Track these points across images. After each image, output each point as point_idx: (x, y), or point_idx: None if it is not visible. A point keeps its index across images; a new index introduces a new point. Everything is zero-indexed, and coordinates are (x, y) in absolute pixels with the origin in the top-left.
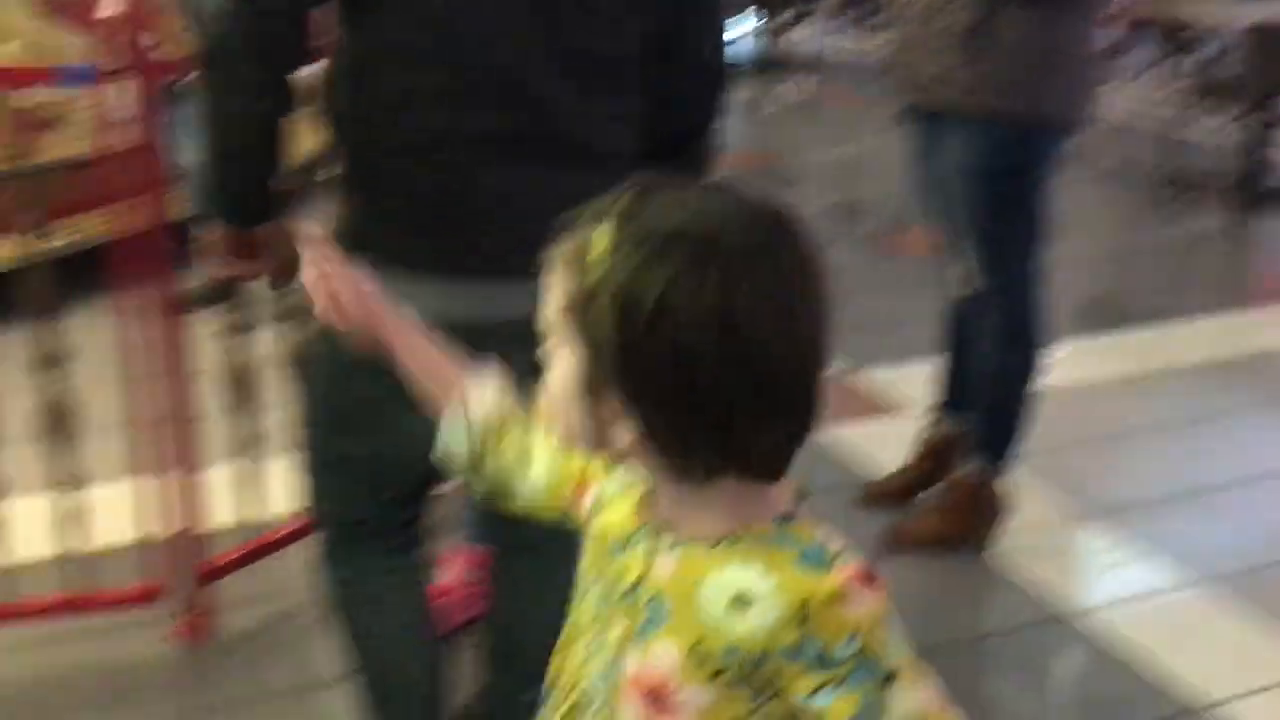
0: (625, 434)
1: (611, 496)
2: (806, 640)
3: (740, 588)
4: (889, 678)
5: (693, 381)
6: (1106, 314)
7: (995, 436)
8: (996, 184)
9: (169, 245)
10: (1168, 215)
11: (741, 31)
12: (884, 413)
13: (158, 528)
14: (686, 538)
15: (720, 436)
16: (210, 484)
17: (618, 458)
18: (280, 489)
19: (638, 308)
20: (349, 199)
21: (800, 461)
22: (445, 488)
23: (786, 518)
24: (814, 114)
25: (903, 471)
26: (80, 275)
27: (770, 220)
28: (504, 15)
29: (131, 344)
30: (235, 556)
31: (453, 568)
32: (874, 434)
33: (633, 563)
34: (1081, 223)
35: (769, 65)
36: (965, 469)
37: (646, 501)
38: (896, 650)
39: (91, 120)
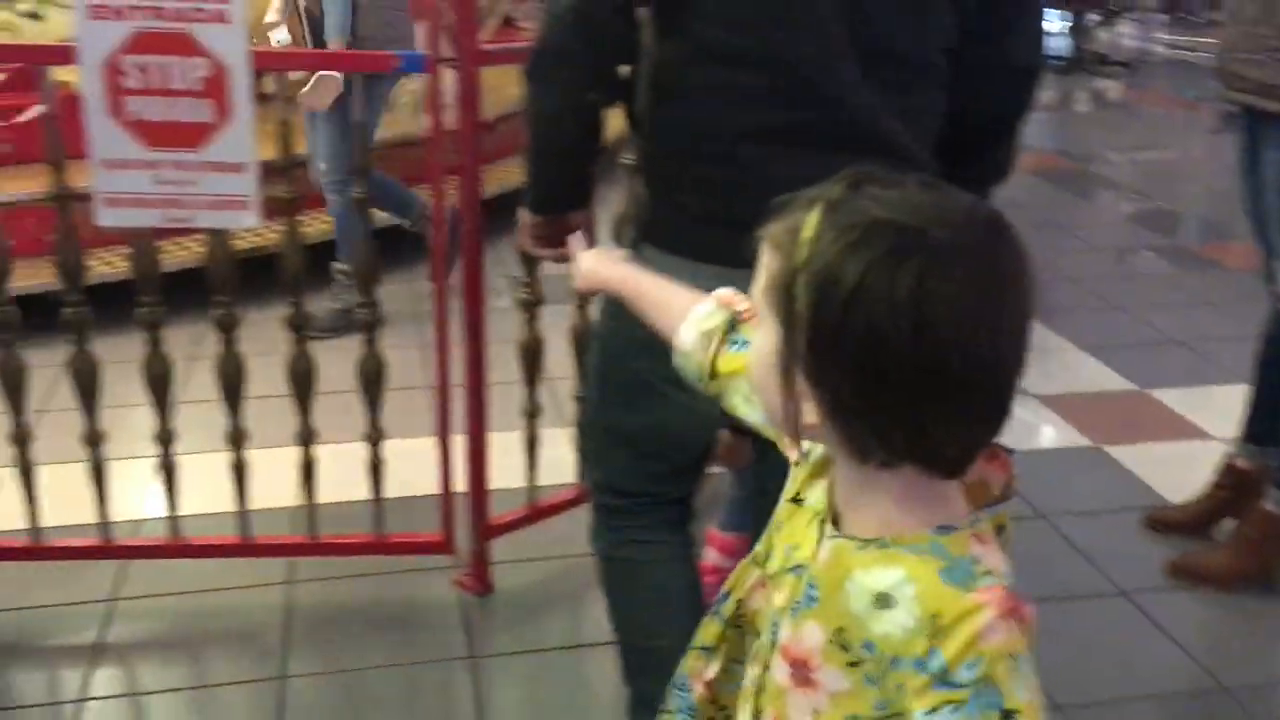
0: (812, 413)
1: (817, 461)
2: (933, 654)
3: (883, 588)
4: (1009, 714)
5: (881, 368)
6: None
7: None
8: None
9: (479, 222)
10: None
11: (1047, 28)
12: (1183, 437)
13: (449, 484)
14: (844, 532)
15: (902, 426)
16: (498, 447)
17: (806, 435)
18: (561, 457)
19: (834, 290)
20: (645, 189)
21: (1087, 479)
22: (714, 468)
23: (946, 528)
24: (1126, 116)
25: (1197, 501)
26: (401, 245)
27: (981, 221)
28: (811, 15)
29: (436, 312)
30: (517, 516)
31: (707, 551)
32: (1171, 458)
33: (807, 541)
34: None
35: (1076, 64)
36: (1268, 504)
37: (832, 486)
38: (1023, 690)
39: (413, 104)
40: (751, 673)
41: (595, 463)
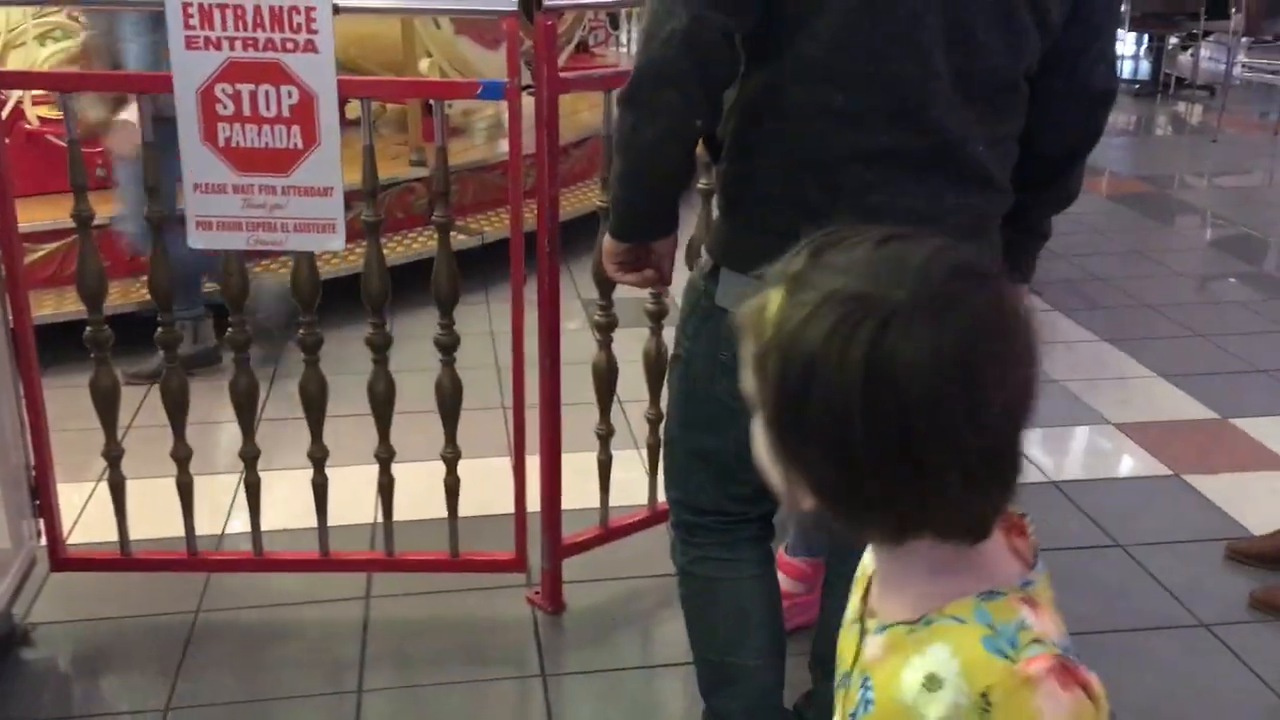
0: (805, 496)
1: (858, 578)
2: None
3: (931, 668)
4: None
5: (845, 444)
6: None
7: None
8: None
9: (557, 245)
10: None
11: (1125, 52)
12: (1265, 466)
13: (523, 503)
14: (889, 620)
15: (885, 503)
16: (571, 468)
17: (810, 518)
18: (634, 479)
19: (793, 366)
20: (726, 213)
21: (1167, 509)
22: None
23: (992, 593)
24: (1207, 140)
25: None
26: (476, 268)
27: (942, 275)
28: (916, 37)
29: (514, 334)
30: (589, 536)
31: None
32: (1252, 488)
33: (848, 648)
34: None
35: (1157, 88)
36: None
37: (867, 588)
38: None
39: (488, 130)
40: None
41: (675, 481)
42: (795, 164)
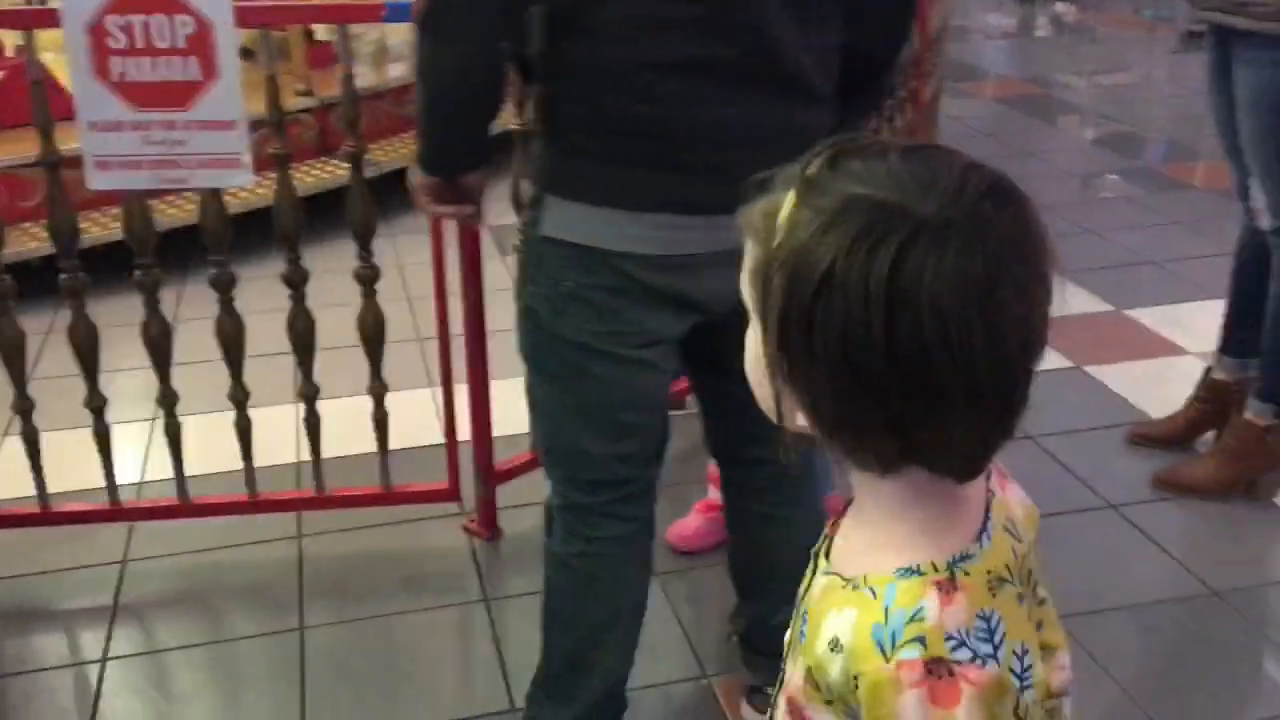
0: (800, 417)
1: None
2: (860, 712)
3: (837, 632)
4: None
5: (857, 365)
6: None
7: None
8: None
9: None
10: None
11: None
12: (1160, 354)
13: (453, 432)
14: (835, 566)
15: (889, 430)
16: (498, 395)
17: (800, 437)
18: None
19: (806, 277)
20: (546, 138)
21: (1070, 399)
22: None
23: (909, 570)
24: (1085, 40)
25: (1178, 415)
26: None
27: (975, 191)
28: None
29: (434, 263)
30: (521, 461)
31: (714, 488)
32: (1149, 375)
33: (807, 577)
34: None
35: None
36: (1248, 414)
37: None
38: None
39: (374, 55)
40: None
41: (556, 459)
42: (617, 78)
